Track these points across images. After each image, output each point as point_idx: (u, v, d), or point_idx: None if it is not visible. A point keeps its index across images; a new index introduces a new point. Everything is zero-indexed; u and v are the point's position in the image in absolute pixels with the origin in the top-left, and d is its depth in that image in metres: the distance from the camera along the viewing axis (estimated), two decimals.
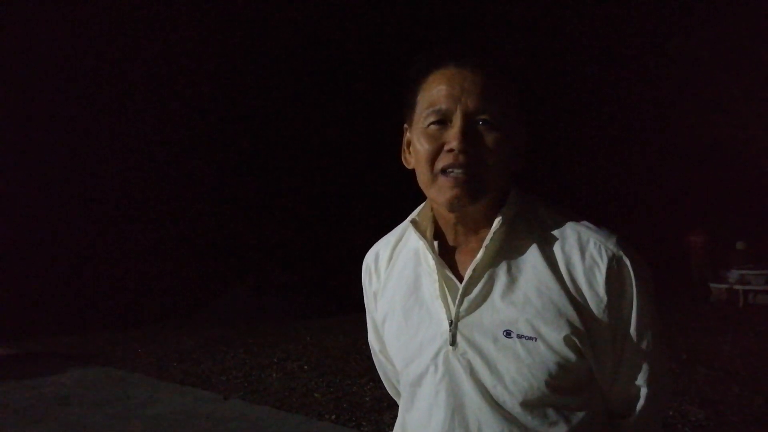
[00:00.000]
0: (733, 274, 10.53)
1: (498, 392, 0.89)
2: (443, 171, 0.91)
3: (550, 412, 0.89)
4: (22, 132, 13.77)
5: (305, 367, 6.51)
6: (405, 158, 1.04)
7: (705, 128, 13.98)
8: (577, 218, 0.96)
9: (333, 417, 4.64)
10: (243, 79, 13.83)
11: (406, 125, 1.02)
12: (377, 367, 1.27)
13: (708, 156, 14.42)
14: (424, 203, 1.06)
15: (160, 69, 14.06)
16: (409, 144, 1.02)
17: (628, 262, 0.90)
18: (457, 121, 0.90)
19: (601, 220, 0.97)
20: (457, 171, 0.89)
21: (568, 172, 15.07)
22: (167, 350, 8.03)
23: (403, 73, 1.01)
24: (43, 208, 13.98)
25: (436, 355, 0.94)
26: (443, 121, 0.91)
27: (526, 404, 0.88)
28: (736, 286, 10.33)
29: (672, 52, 13.89)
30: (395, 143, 1.06)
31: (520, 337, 0.89)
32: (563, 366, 0.88)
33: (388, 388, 1.29)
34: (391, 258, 1.10)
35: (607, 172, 15.13)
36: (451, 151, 0.89)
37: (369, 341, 1.22)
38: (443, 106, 0.91)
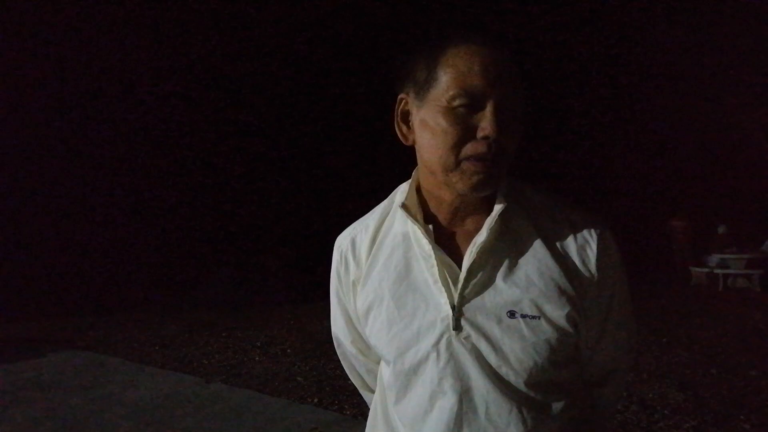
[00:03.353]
0: (713, 258, 10.67)
1: (504, 372, 0.90)
2: (468, 158, 0.88)
3: (551, 387, 0.92)
4: (13, 124, 13.59)
5: (288, 351, 6.50)
6: (402, 132, 0.98)
7: (687, 113, 14.10)
8: (562, 199, 0.99)
9: (315, 400, 4.64)
10: (230, 71, 13.70)
11: (403, 96, 0.97)
12: (341, 360, 1.23)
13: (689, 141, 14.56)
14: (406, 186, 1.02)
15: (153, 63, 13.89)
16: (405, 116, 0.97)
17: (612, 240, 0.95)
18: (492, 108, 0.86)
19: (583, 204, 0.99)
20: (487, 158, 0.87)
21: (549, 157, 15.12)
22: (149, 335, 7.97)
23: (415, 42, 0.96)
24: (21, 194, 13.78)
25: (438, 341, 0.92)
26: (472, 104, 0.87)
27: (530, 381, 0.89)
28: (716, 270, 10.47)
29: (657, 40, 13.93)
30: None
31: (524, 316, 0.90)
32: (562, 341, 0.90)
33: (354, 380, 1.25)
34: (373, 243, 1.04)
35: (588, 156, 15.22)
36: (485, 138, 0.86)
37: (333, 333, 1.17)
38: (477, 90, 0.86)
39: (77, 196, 14.16)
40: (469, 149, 0.87)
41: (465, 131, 0.87)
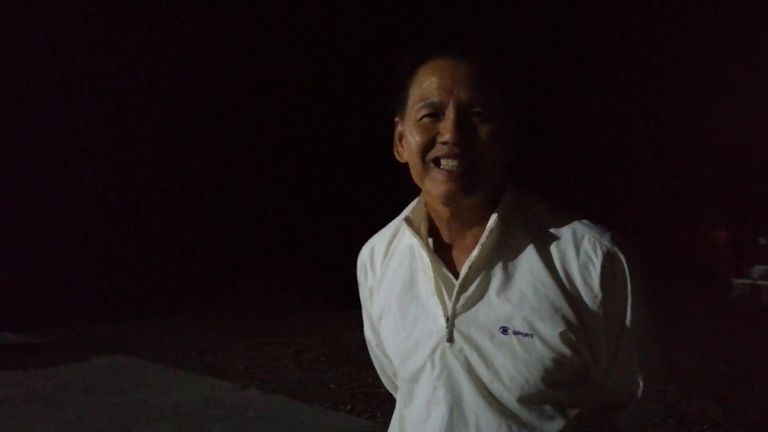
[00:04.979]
0: (757, 270, 10.34)
1: (495, 388, 0.89)
2: (436, 162, 0.91)
3: (547, 407, 0.90)
4: (39, 125, 14.06)
5: (321, 358, 6.56)
6: (397, 152, 1.04)
7: (728, 122, 13.72)
8: (571, 214, 0.96)
9: (348, 408, 4.68)
10: (247, 75, 13.90)
11: (397, 119, 1.02)
12: (373, 361, 1.27)
13: (731, 150, 14.15)
14: (417, 199, 1.06)
15: (171, 65, 14.16)
16: (401, 137, 1.01)
17: (622, 258, 0.90)
18: (450, 114, 0.89)
19: (623, 216, 0.95)
20: (452, 164, 0.89)
21: (590, 167, 14.88)
22: (186, 341, 8.15)
23: (393, 67, 1.00)
24: (65, 202, 14.25)
25: (433, 351, 0.94)
26: (436, 113, 0.91)
27: (523, 400, 0.88)
28: (759, 282, 10.15)
29: (695, 44, 13.63)
30: None
31: (516, 333, 0.89)
32: (559, 362, 0.88)
33: (384, 382, 1.30)
34: (386, 254, 1.10)
35: (629, 167, 14.92)
36: (445, 143, 0.89)
37: (365, 335, 1.23)
38: (435, 99, 0.90)
39: (120, 207, 14.60)
40: (432, 153, 0.91)
41: (429, 139, 0.91)
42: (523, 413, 0.89)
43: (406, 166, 1.00)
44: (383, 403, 4.69)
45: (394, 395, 1.28)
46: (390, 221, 1.16)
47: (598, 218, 0.96)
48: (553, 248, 0.92)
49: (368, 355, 1.27)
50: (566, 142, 14.10)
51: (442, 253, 0.98)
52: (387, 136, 1.05)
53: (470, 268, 0.93)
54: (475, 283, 0.93)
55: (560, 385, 0.90)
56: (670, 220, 14.09)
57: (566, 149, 14.21)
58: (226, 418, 4.59)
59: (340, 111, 13.59)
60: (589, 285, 0.89)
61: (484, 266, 0.93)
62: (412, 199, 1.10)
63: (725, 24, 13.25)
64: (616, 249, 0.90)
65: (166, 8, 13.69)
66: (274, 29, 13.46)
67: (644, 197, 14.74)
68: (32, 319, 10.54)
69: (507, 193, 0.97)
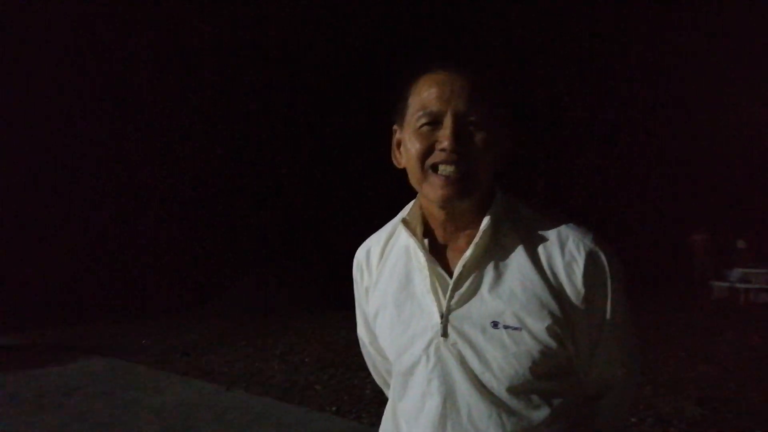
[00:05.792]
0: (735, 273, 10.56)
1: (486, 379, 0.95)
2: (434, 168, 0.97)
3: (534, 396, 0.96)
4: (30, 125, 13.91)
5: (307, 360, 6.58)
6: (395, 158, 1.09)
7: (706, 126, 13.96)
8: (556, 217, 1.03)
9: (334, 409, 4.71)
10: (247, 75, 13.87)
11: (395, 127, 1.08)
12: (366, 359, 1.33)
13: (710, 154, 14.40)
14: (413, 202, 1.12)
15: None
16: (399, 144, 1.07)
17: (603, 257, 0.97)
18: (448, 122, 0.95)
19: (601, 220, 1.01)
20: (449, 169, 0.95)
21: (567, 171, 15.04)
22: (171, 342, 8.12)
23: (394, 76, 1.06)
24: (47, 201, 14.10)
25: (428, 345, 0.99)
26: (434, 122, 0.97)
27: (512, 389, 0.94)
28: (738, 285, 10.36)
29: (669, 46, 13.82)
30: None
31: (506, 327, 0.95)
32: (545, 353, 0.94)
33: (376, 378, 1.36)
34: (382, 254, 1.15)
35: (606, 170, 15.10)
36: (443, 150, 0.95)
37: (358, 334, 1.28)
38: (434, 108, 0.96)
39: (104, 206, 14.46)
40: (431, 160, 0.97)
41: (428, 146, 0.97)
42: (512, 402, 0.95)
43: (402, 171, 1.06)
44: (369, 404, 4.73)
45: (386, 392, 1.33)
46: (383, 224, 1.21)
47: (580, 221, 1.03)
48: (540, 248, 0.99)
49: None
50: (551, 149, 14.25)
51: (437, 253, 1.04)
52: (385, 142, 1.10)
53: (464, 267, 0.98)
54: (468, 281, 0.98)
55: (546, 376, 0.96)
56: (650, 224, 14.31)
57: (552, 156, 14.36)
58: (213, 420, 4.60)
59: (339, 116, 13.60)
60: (573, 282, 0.95)
61: (476, 265, 0.99)
62: (407, 202, 1.15)
63: (701, 35, 13.48)
64: (597, 249, 0.97)
65: (169, 7, 13.64)
66: (278, 25, 13.42)
67: (625, 202, 14.94)
68: (13, 321, 10.42)
69: (497, 198, 1.03)
